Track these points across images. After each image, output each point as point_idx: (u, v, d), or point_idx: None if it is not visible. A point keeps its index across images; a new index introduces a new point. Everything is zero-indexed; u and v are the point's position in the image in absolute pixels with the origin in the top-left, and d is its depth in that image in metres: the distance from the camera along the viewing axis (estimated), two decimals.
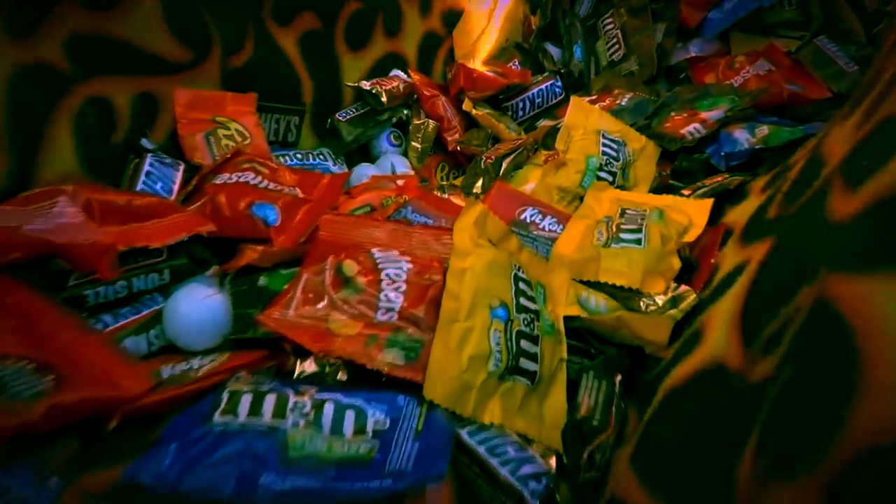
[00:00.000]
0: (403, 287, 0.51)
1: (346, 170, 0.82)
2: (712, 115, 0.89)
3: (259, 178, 0.62)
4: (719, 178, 0.80)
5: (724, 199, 0.79)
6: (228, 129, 0.70)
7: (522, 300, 0.53)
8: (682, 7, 1.07)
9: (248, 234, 0.58)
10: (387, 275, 0.52)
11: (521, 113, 1.02)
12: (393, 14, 0.93)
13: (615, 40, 1.10)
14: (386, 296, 0.50)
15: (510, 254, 0.58)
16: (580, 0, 1.20)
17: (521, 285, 0.54)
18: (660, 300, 0.64)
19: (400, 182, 0.68)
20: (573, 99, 0.87)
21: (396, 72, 0.93)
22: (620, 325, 0.59)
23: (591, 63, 1.13)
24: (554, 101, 1.04)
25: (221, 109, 0.70)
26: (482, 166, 0.82)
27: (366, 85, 0.86)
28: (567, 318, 0.58)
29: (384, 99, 0.86)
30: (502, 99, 1.01)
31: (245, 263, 0.58)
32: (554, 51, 1.15)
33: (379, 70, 0.92)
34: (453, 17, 1.06)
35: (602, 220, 0.72)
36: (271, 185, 0.62)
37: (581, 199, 0.79)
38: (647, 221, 0.71)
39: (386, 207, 0.64)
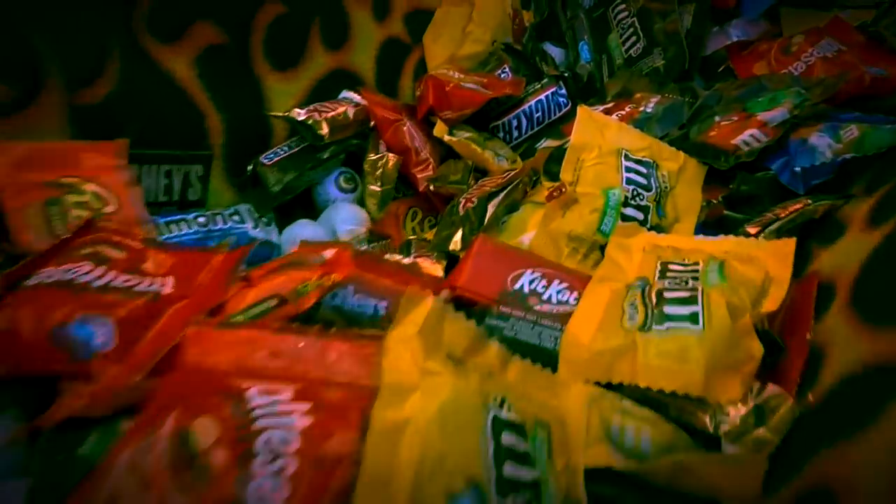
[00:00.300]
0: (291, 468, 0.30)
1: (274, 231, 0.62)
2: (772, 115, 0.67)
3: (101, 270, 0.42)
4: (798, 206, 0.58)
5: (806, 235, 0.57)
6: (82, 193, 0.50)
7: (509, 468, 0.32)
8: None
9: (59, 369, 0.37)
10: (265, 443, 0.31)
11: (515, 133, 0.81)
12: (334, 19, 0.74)
13: (631, 31, 0.89)
14: (257, 490, 0.29)
15: (486, 376, 0.36)
16: None
17: (507, 438, 0.33)
18: (736, 413, 0.42)
19: (327, 254, 0.47)
20: (580, 109, 0.66)
21: (347, 93, 0.73)
22: (681, 473, 0.37)
23: (604, 63, 0.92)
24: (558, 114, 0.83)
25: (71, 166, 0.50)
26: (460, 212, 0.61)
27: (300, 114, 0.66)
28: (590, 473, 0.36)
29: (324, 131, 0.66)
30: (492, 117, 0.80)
31: (65, 416, 0.37)
32: (555, 52, 0.94)
33: (322, 92, 0.72)
34: (422, 19, 0.86)
35: (635, 285, 0.50)
36: (119, 281, 0.42)
37: (602, 249, 0.58)
38: (704, 284, 0.49)
39: (303, 297, 0.43)
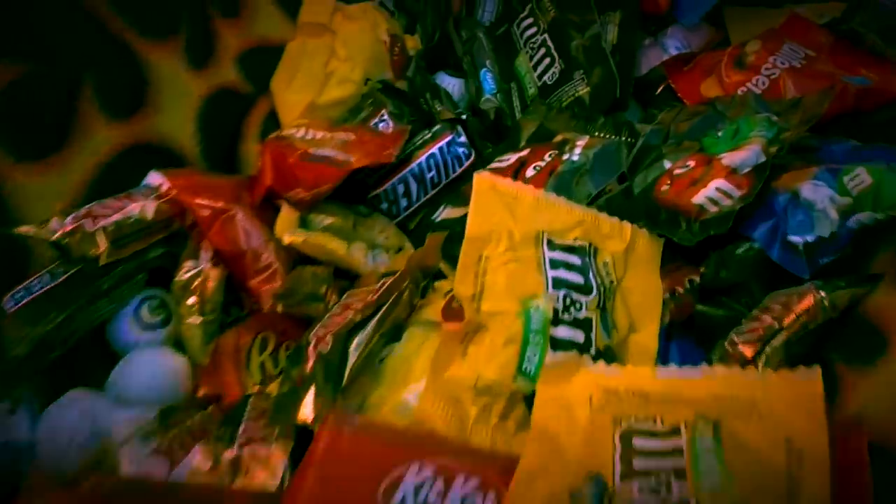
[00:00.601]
0: None
1: (24, 420, 0.40)
2: (741, 158, 0.50)
3: None
4: (806, 302, 0.40)
5: (822, 339, 0.40)
6: None
7: None
8: None
9: None
10: None
11: (404, 202, 0.62)
12: (119, 74, 0.52)
13: (543, 51, 0.71)
14: None
15: None
16: (479, 1, 0.81)
17: None
18: None
19: None
20: (478, 179, 0.47)
21: (153, 177, 0.52)
22: None
23: (513, 93, 0.74)
24: (458, 171, 0.64)
25: None
26: (308, 361, 0.41)
27: (61, 226, 0.44)
28: None
29: (101, 247, 0.44)
30: (370, 184, 0.61)
31: None
32: (451, 84, 0.76)
33: (112, 181, 0.51)
34: (265, 59, 0.66)
35: (583, 494, 0.31)
36: None
37: (528, 403, 0.38)
38: (696, 484, 0.30)
39: None
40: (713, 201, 0.48)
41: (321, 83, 0.67)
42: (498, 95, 0.74)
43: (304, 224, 0.52)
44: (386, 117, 0.66)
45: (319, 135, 0.58)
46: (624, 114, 0.66)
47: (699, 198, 0.49)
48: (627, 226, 0.48)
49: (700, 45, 0.70)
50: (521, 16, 0.75)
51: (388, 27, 0.72)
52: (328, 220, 0.53)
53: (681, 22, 0.69)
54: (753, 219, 0.47)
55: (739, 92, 0.62)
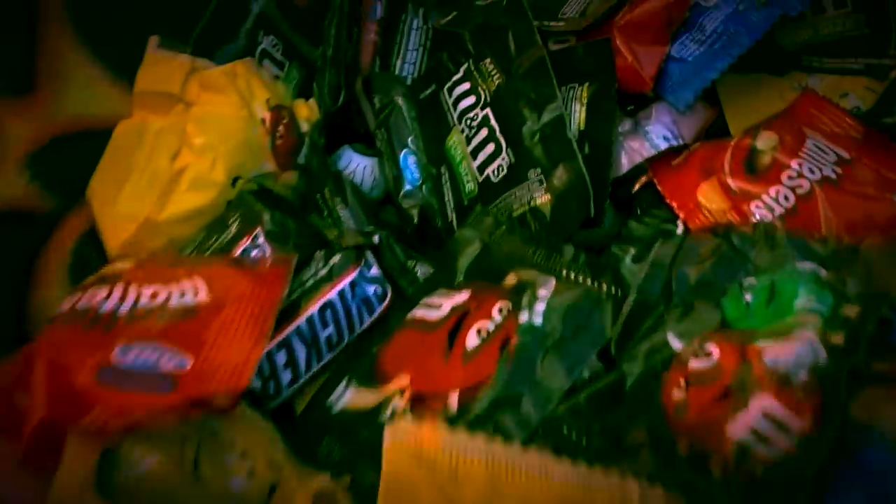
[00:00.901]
0: None
1: None
2: (791, 357, 0.34)
3: None
4: None
5: None
6: None
7: None
8: (617, 47, 0.51)
9: None
10: None
11: (286, 377, 0.43)
12: None
13: (485, 133, 0.53)
14: None
15: None
16: (397, 50, 0.62)
17: None
18: None
19: None
20: (390, 440, 0.28)
21: None
22: None
23: (444, 182, 0.56)
24: (368, 321, 0.46)
25: None
26: None
27: None
28: None
29: None
30: None
31: None
32: (359, 165, 0.57)
33: None
34: (79, 154, 0.45)
35: None
36: None
37: None
38: None
39: None
40: (761, 437, 0.32)
41: (166, 187, 0.47)
42: (424, 187, 0.56)
43: (108, 468, 0.32)
44: (261, 240, 0.46)
45: (147, 293, 0.37)
46: (601, 233, 0.48)
47: (739, 430, 0.32)
48: (634, 489, 0.31)
49: (694, 131, 0.53)
50: (455, 78, 0.57)
51: (269, 96, 0.52)
52: (150, 458, 0.33)
53: (669, 100, 0.52)
54: (829, 476, 0.31)
55: (757, 214, 0.45)
